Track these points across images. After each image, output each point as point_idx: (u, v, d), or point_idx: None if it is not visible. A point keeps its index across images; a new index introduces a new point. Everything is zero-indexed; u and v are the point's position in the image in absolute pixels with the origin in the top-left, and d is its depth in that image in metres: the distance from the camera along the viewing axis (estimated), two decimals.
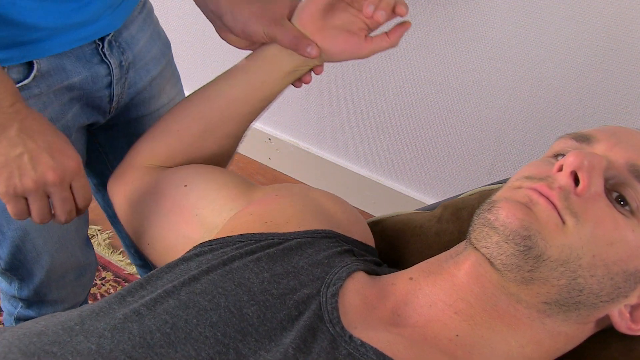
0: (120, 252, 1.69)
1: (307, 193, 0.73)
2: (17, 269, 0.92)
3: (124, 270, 1.64)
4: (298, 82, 0.81)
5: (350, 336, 0.53)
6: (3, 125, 0.65)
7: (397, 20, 0.76)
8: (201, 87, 0.80)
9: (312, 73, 0.80)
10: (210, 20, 0.81)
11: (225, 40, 0.81)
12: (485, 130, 1.47)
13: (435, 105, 1.51)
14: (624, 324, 0.58)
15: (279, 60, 0.77)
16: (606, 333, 0.61)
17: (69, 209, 0.72)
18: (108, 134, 0.96)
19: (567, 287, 0.54)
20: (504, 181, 0.71)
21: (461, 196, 0.81)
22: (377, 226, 0.81)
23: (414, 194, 1.68)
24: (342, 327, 0.54)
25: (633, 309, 0.58)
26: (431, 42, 1.42)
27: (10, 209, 0.71)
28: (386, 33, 0.75)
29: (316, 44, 0.74)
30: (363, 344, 0.52)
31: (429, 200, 1.65)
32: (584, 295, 0.55)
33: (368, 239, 0.72)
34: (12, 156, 0.67)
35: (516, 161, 1.46)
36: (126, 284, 1.59)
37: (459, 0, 1.34)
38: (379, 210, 1.62)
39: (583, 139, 0.62)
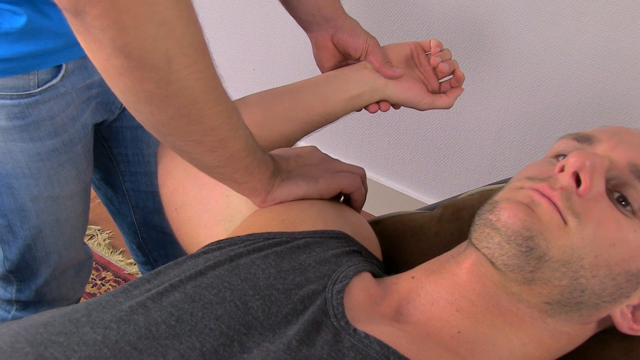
0: (121, 252, 1.69)
1: (333, 201, 0.75)
2: (21, 270, 0.92)
3: (124, 270, 1.64)
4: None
5: (355, 329, 0.53)
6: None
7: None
8: (278, 87, 0.86)
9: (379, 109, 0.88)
10: (308, 24, 0.87)
11: (319, 45, 0.87)
12: (485, 130, 1.47)
13: None
14: (625, 324, 0.58)
15: (348, 82, 0.84)
16: (607, 333, 0.61)
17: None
18: (112, 128, 0.97)
19: (569, 288, 0.54)
20: (505, 181, 0.72)
21: (461, 196, 0.81)
22: (377, 226, 0.81)
23: (414, 194, 1.69)
24: (347, 321, 0.54)
25: (635, 309, 0.58)
26: None
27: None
28: (444, 93, 0.88)
29: (400, 70, 0.85)
30: (367, 335, 0.53)
31: (429, 200, 1.65)
32: (586, 295, 0.55)
33: (378, 254, 0.72)
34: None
35: (516, 161, 1.46)
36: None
37: (459, 1, 1.34)
38: (379, 210, 1.62)
39: (584, 139, 0.62)
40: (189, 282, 0.56)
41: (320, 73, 0.91)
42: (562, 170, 0.56)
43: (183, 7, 0.49)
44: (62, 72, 0.78)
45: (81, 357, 0.48)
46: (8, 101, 0.75)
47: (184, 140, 0.58)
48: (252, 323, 0.53)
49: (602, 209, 0.55)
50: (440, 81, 0.89)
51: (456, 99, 0.89)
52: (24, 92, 0.75)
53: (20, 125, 0.78)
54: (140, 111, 0.55)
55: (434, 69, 0.87)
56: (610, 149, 0.59)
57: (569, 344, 0.59)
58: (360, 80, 0.85)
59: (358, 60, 0.87)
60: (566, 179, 0.55)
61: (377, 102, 0.87)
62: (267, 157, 0.67)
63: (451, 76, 0.88)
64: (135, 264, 1.64)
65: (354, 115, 0.91)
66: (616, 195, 0.57)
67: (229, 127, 0.59)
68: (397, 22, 1.45)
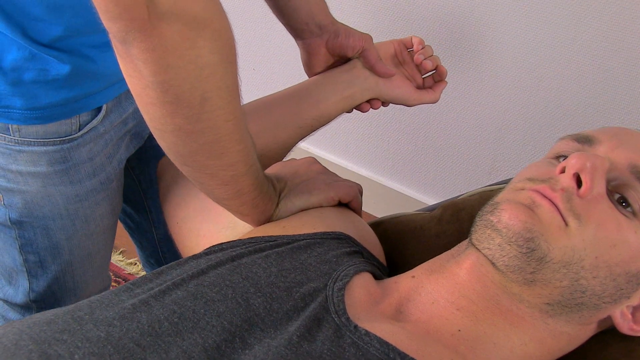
0: (121, 252, 1.69)
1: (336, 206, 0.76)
2: (45, 300, 0.91)
3: (124, 270, 1.64)
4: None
5: (355, 326, 0.54)
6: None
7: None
8: (270, 94, 0.86)
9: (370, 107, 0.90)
10: (301, 32, 0.87)
11: (311, 52, 0.87)
12: (485, 130, 1.47)
13: (435, 105, 1.51)
14: (625, 324, 0.58)
15: (339, 83, 0.85)
16: (607, 334, 0.61)
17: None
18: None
19: (570, 289, 0.54)
20: (505, 182, 0.72)
21: (461, 197, 0.81)
22: (378, 228, 0.81)
23: (414, 194, 1.69)
24: (348, 318, 0.54)
25: (635, 309, 0.58)
26: (431, 42, 1.42)
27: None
28: (430, 88, 0.90)
29: (391, 68, 0.87)
30: (368, 333, 0.53)
31: (429, 200, 1.65)
32: (587, 296, 0.55)
33: (381, 258, 0.73)
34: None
35: (516, 161, 1.46)
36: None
37: (459, 2, 1.34)
38: (379, 210, 1.62)
39: (585, 140, 0.62)
40: (191, 280, 0.57)
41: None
42: (562, 171, 0.56)
43: (226, 52, 0.51)
44: (103, 112, 0.77)
45: (85, 354, 0.49)
46: (51, 147, 0.74)
47: (200, 172, 0.60)
48: (254, 319, 0.53)
49: (603, 210, 0.55)
50: (423, 77, 0.91)
51: (441, 93, 0.91)
52: (66, 137, 0.75)
53: (61, 169, 0.77)
54: (164, 139, 0.56)
55: (418, 65, 0.89)
56: (611, 150, 0.59)
57: (569, 344, 0.59)
58: (350, 81, 0.86)
59: (350, 59, 0.88)
60: (567, 180, 0.55)
61: (368, 101, 0.88)
62: (271, 189, 0.69)
63: (434, 71, 0.90)
64: (135, 264, 1.65)
65: (354, 115, 0.91)
66: (617, 196, 0.57)
67: (244, 164, 0.60)
68: (398, 22, 1.45)
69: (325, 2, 0.87)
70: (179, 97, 0.50)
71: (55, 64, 0.69)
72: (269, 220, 0.71)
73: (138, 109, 0.83)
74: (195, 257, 0.62)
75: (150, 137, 0.93)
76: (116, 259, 1.67)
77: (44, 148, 0.74)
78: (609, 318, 0.58)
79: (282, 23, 0.88)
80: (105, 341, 0.50)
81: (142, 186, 1.00)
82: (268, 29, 1.65)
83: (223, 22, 0.50)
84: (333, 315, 0.55)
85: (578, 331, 0.58)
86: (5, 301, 0.90)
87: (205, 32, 0.48)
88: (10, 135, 0.72)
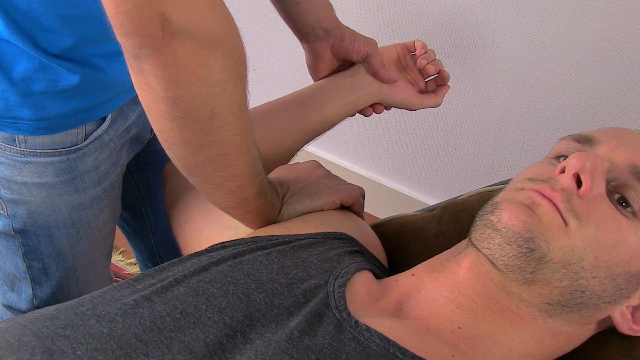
0: (121, 252, 1.69)
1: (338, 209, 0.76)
2: (49, 305, 0.91)
3: (124, 270, 1.64)
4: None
5: (356, 321, 0.54)
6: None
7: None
8: (275, 100, 0.87)
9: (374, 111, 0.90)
10: (307, 35, 0.87)
11: (317, 55, 0.88)
12: (486, 130, 1.47)
13: None
14: (625, 324, 0.58)
15: (343, 88, 0.86)
16: (606, 333, 0.61)
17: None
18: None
19: (570, 289, 0.55)
20: (505, 182, 0.72)
21: (461, 197, 0.81)
22: (378, 229, 0.81)
23: (414, 194, 1.69)
24: (349, 314, 0.55)
25: (634, 309, 0.58)
26: (431, 41, 1.42)
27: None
28: (433, 92, 0.90)
29: (394, 74, 0.87)
30: (368, 328, 0.53)
31: (430, 201, 1.66)
32: (586, 296, 0.55)
33: (383, 260, 0.73)
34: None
35: (516, 161, 1.47)
36: None
37: (459, 2, 1.34)
38: (379, 210, 1.62)
39: (585, 140, 0.62)
40: (192, 277, 0.57)
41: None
42: (562, 171, 0.56)
43: (237, 69, 0.52)
44: (108, 122, 0.77)
45: (88, 349, 0.49)
46: (57, 158, 0.74)
47: (207, 183, 0.61)
48: (255, 315, 0.54)
49: (603, 210, 0.55)
50: (425, 80, 0.91)
51: (444, 97, 0.91)
52: (72, 147, 0.74)
53: (67, 179, 0.77)
54: (172, 151, 0.57)
55: (420, 69, 0.89)
56: (611, 150, 0.60)
57: (569, 344, 0.59)
58: (354, 86, 0.86)
59: (354, 63, 0.88)
60: (567, 180, 0.55)
61: (371, 105, 0.89)
62: (274, 196, 0.70)
63: (436, 75, 0.90)
64: (135, 264, 1.65)
65: (355, 116, 0.91)
66: (617, 196, 0.57)
67: (250, 175, 0.61)
68: (398, 23, 1.45)
69: (331, 6, 0.87)
70: (189, 112, 0.51)
71: (65, 74, 0.69)
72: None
73: (140, 116, 0.84)
74: (197, 254, 0.63)
75: (149, 142, 0.93)
76: (116, 259, 1.67)
77: (50, 159, 0.74)
78: (609, 318, 0.58)
79: (289, 26, 0.88)
80: (107, 337, 0.50)
81: (140, 191, 1.00)
82: (268, 29, 1.65)
83: (235, 40, 0.51)
84: (334, 311, 0.55)
85: (577, 331, 0.58)
86: (9, 307, 0.91)
87: (218, 50, 0.48)
88: (17, 147, 0.72)
